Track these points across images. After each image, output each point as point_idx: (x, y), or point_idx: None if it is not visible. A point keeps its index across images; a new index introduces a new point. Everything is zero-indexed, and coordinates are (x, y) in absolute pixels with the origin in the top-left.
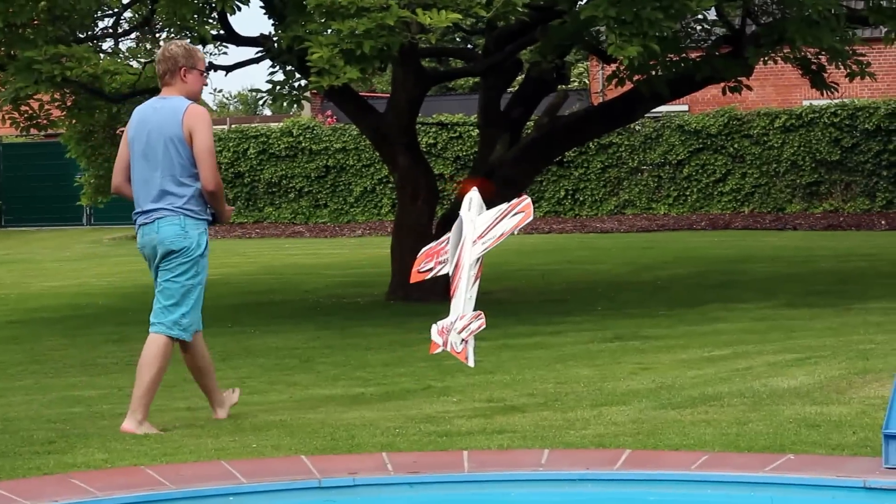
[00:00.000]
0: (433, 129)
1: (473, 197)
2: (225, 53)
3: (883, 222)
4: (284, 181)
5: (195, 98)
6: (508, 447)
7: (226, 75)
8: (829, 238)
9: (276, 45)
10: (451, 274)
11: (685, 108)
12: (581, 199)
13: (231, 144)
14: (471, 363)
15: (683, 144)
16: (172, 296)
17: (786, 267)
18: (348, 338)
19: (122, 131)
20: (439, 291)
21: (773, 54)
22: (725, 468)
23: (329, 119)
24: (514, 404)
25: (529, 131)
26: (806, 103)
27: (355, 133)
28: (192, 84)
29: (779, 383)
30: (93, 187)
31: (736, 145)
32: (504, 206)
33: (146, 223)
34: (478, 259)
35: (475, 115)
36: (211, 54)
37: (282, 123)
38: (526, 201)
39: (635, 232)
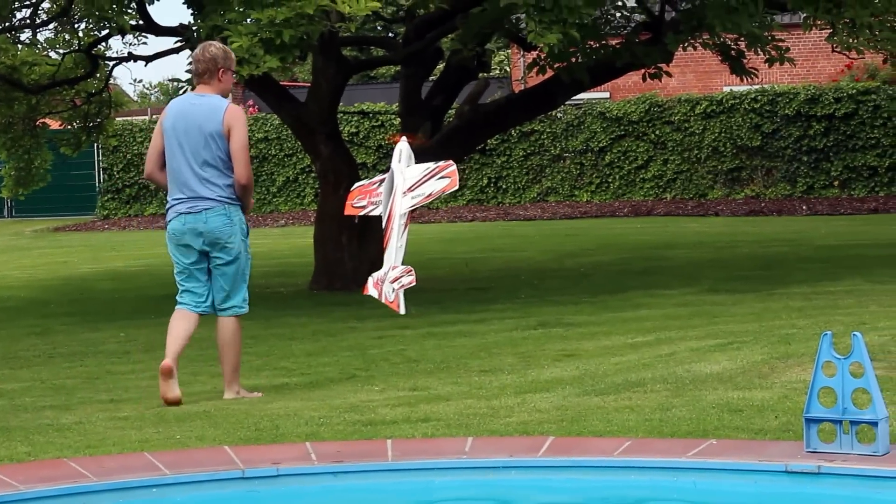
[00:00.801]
0: (355, 118)
1: (403, 148)
2: (144, 43)
3: (804, 207)
4: None
5: (226, 95)
6: (432, 435)
7: (146, 65)
8: (751, 223)
9: (195, 34)
10: (384, 224)
11: (606, 95)
12: (504, 186)
13: (152, 135)
14: (402, 311)
15: (605, 131)
16: (233, 280)
17: (708, 253)
18: (272, 328)
19: (43, 122)
20: (362, 280)
21: (692, 40)
22: (648, 454)
23: (251, 109)
24: (439, 393)
25: (451, 119)
26: (726, 89)
27: (277, 123)
28: (226, 83)
29: (702, 369)
30: (13, 179)
31: (657, 132)
32: (432, 164)
33: (190, 212)
34: (406, 212)
35: (397, 104)
36: (130, 44)
37: None
38: (452, 167)
39: (558, 219)
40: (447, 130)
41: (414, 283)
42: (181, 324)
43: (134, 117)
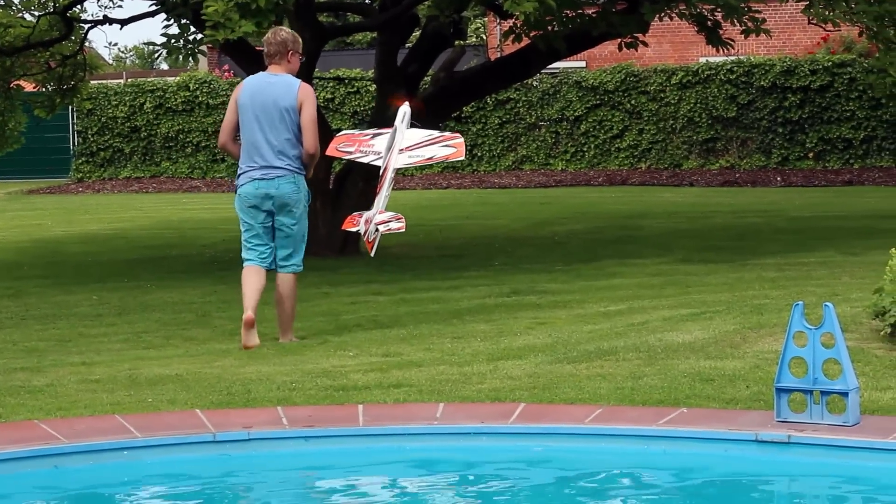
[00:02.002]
0: (331, 84)
1: (406, 111)
2: (120, 6)
3: (778, 179)
4: (181, 136)
5: (294, 75)
6: (404, 401)
7: (121, 29)
8: (726, 194)
9: None
10: (380, 173)
11: (583, 64)
12: (479, 154)
13: (127, 99)
14: (372, 254)
15: (581, 101)
16: (295, 240)
17: (682, 223)
18: None
19: (17, 84)
20: (335, 247)
21: (668, 10)
22: (619, 422)
23: (226, 73)
24: (411, 359)
25: (426, 86)
26: (702, 60)
27: None
28: (294, 64)
29: (674, 338)
30: None
31: (633, 102)
32: (437, 132)
33: (264, 178)
34: (399, 168)
35: (372, 71)
36: (105, 7)
37: (178, 78)
38: (459, 139)
39: (533, 188)
40: (423, 97)
41: (403, 230)
42: (254, 278)
43: (109, 80)
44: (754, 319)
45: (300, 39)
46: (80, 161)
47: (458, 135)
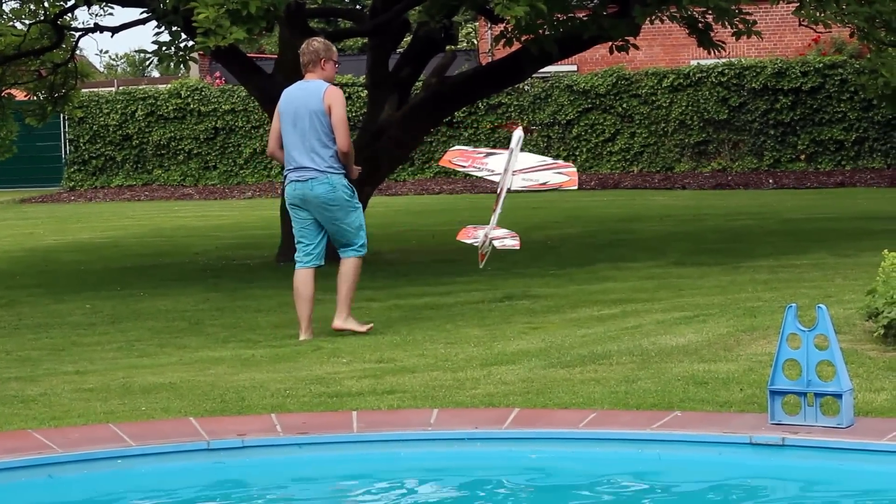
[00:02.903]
0: None
1: (520, 135)
2: (111, 14)
3: (770, 181)
4: (173, 143)
5: (331, 82)
6: (398, 407)
7: (112, 36)
8: (718, 197)
9: (161, 5)
10: (497, 193)
11: (574, 68)
12: None
13: (119, 106)
14: (481, 266)
15: (572, 104)
16: (344, 233)
17: (675, 226)
18: (238, 300)
19: (9, 93)
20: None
21: (659, 13)
22: (613, 426)
23: (217, 80)
24: (405, 364)
25: (418, 91)
26: (693, 63)
27: (244, 94)
28: (328, 71)
29: (667, 341)
30: None
31: (624, 105)
32: (550, 159)
33: (299, 180)
34: (512, 189)
35: (364, 76)
36: (96, 15)
37: (170, 85)
38: (572, 169)
39: (525, 192)
40: (414, 102)
41: (517, 248)
42: (302, 289)
43: (100, 88)
44: (747, 322)
45: (333, 48)
46: (72, 169)
47: (570, 164)
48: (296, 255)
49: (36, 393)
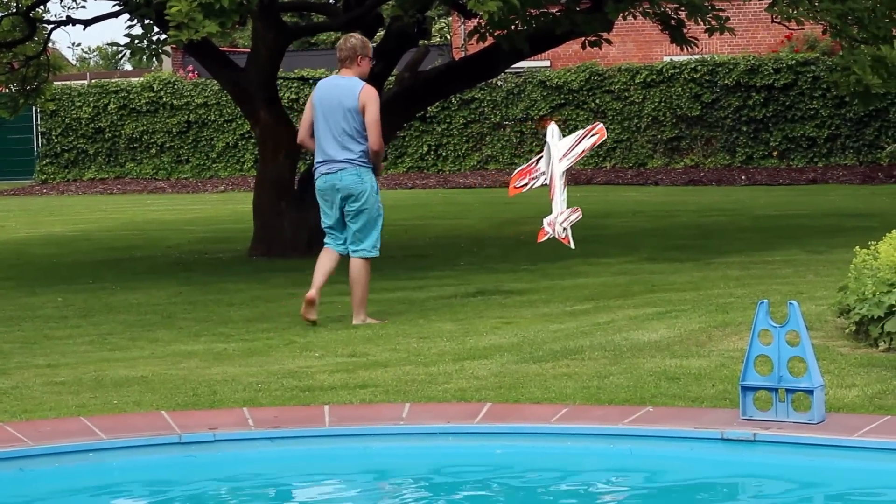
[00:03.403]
0: (295, 84)
1: (554, 129)
2: (83, 7)
3: (743, 177)
4: (146, 136)
5: (364, 78)
6: (370, 401)
7: (84, 29)
8: (690, 193)
9: None
10: (547, 184)
11: (547, 63)
12: (444, 154)
13: (91, 99)
14: (572, 246)
15: (545, 100)
16: (363, 227)
17: (647, 222)
18: (210, 294)
19: None
20: (301, 247)
21: (632, 9)
22: (585, 421)
23: (190, 74)
24: (377, 359)
25: (391, 86)
26: (666, 59)
27: (217, 88)
28: (364, 67)
29: (639, 337)
30: None
31: (597, 101)
32: (580, 131)
33: (329, 172)
34: (564, 172)
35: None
36: (68, 8)
37: (142, 78)
38: (600, 126)
39: (498, 187)
40: (387, 97)
41: (580, 217)
42: (325, 259)
43: (72, 81)
44: (719, 318)
45: (370, 44)
46: (44, 162)
47: (597, 123)
48: (325, 240)
49: (7, 386)
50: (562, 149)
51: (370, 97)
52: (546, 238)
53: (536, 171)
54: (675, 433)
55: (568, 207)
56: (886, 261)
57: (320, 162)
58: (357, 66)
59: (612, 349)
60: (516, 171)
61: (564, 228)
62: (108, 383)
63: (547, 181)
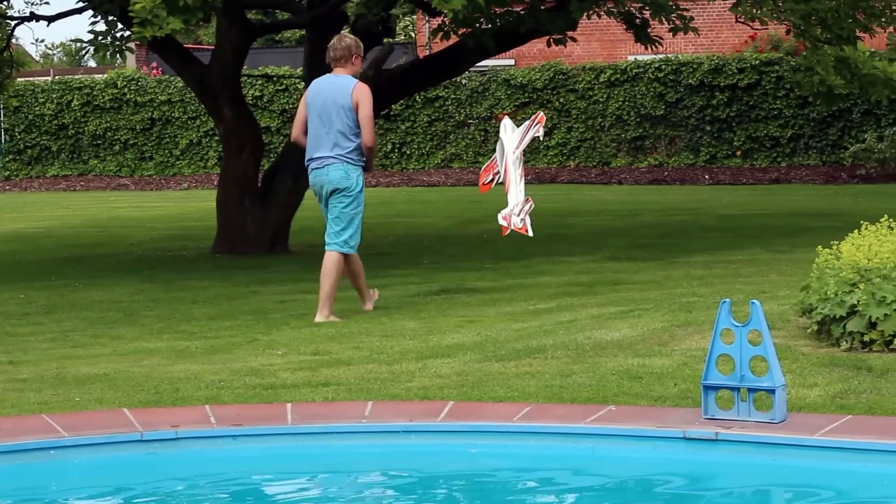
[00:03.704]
0: (259, 82)
1: (506, 123)
2: (47, 3)
3: (706, 177)
4: (109, 133)
5: (356, 76)
6: (333, 399)
7: (48, 25)
8: (654, 192)
9: None
10: (501, 178)
11: (511, 62)
12: (408, 152)
13: (55, 96)
14: (530, 234)
15: (510, 98)
16: (342, 222)
17: (611, 221)
18: (173, 291)
19: None
20: (264, 245)
21: (597, 8)
22: (548, 419)
23: (154, 71)
24: (340, 357)
25: None
26: (631, 58)
27: (181, 85)
28: (357, 66)
29: (602, 336)
30: None
31: (562, 100)
32: (526, 123)
33: (318, 168)
34: (516, 162)
35: (301, 68)
36: (32, 4)
37: (106, 75)
38: (540, 115)
39: (462, 185)
40: None
41: (533, 206)
42: (330, 267)
43: (36, 77)
44: (682, 317)
45: (362, 44)
46: (7, 159)
47: (539, 112)
48: (325, 237)
49: None
50: (513, 141)
51: (364, 94)
52: (509, 232)
53: (496, 164)
54: (637, 432)
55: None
56: (848, 260)
57: (311, 158)
58: (351, 65)
59: (575, 348)
60: (483, 168)
61: (522, 219)
62: (70, 380)
63: (501, 170)
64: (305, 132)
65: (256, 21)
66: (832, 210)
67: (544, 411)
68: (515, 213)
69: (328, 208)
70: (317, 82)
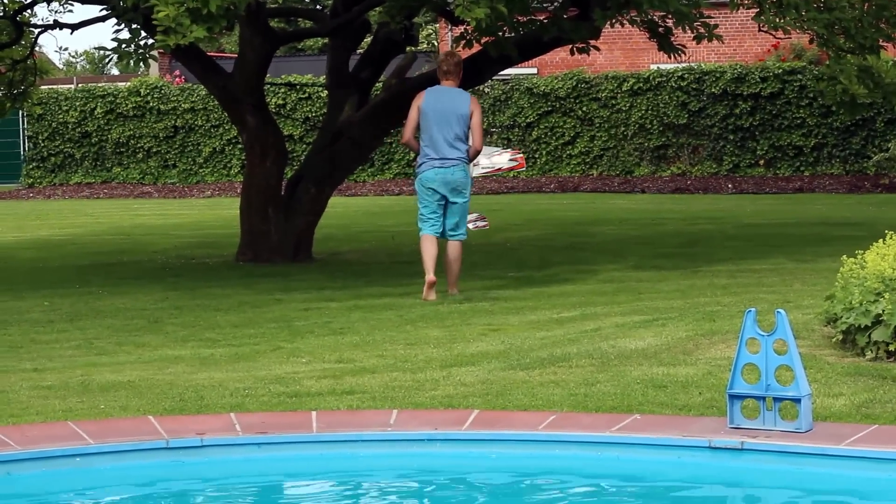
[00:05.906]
0: (282, 90)
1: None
2: (70, 11)
3: (730, 186)
4: (132, 141)
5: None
6: (357, 407)
7: (71, 33)
8: (677, 201)
9: (121, 2)
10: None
11: (534, 71)
12: None
13: (78, 104)
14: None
15: (532, 107)
16: (459, 215)
17: (634, 229)
18: (197, 298)
19: None
20: (288, 253)
21: (620, 17)
22: (573, 428)
23: (178, 79)
24: (364, 365)
25: (378, 93)
26: (654, 67)
27: (204, 93)
28: (460, 79)
29: (627, 344)
30: None
31: (584, 108)
32: (510, 151)
33: (442, 167)
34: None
35: (324, 76)
36: (56, 12)
37: (129, 83)
38: (521, 155)
39: (485, 194)
40: (374, 103)
41: (487, 227)
42: (429, 245)
43: (59, 85)
44: (707, 326)
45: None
46: (31, 166)
47: (518, 150)
48: (421, 225)
49: None
50: (488, 152)
51: (477, 105)
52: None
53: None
54: (662, 441)
55: (478, 214)
56: (873, 270)
57: (433, 158)
58: (457, 78)
59: (600, 357)
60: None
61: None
62: (95, 388)
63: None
64: (417, 136)
65: (279, 29)
66: (856, 219)
67: (569, 420)
68: (468, 220)
69: (448, 204)
70: (432, 91)
